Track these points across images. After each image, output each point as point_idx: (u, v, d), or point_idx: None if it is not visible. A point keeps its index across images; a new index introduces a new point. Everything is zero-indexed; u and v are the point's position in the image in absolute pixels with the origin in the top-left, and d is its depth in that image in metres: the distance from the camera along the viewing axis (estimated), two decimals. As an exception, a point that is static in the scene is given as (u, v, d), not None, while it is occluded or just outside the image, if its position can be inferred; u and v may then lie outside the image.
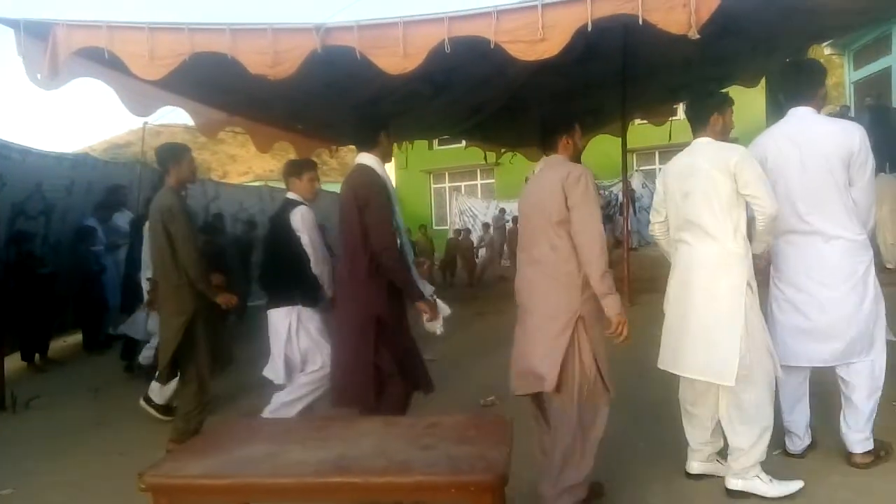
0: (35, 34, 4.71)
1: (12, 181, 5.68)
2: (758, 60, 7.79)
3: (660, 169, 20.39)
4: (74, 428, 4.35)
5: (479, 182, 23.32)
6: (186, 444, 2.50)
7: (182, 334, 3.61)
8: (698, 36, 4.06)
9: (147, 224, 3.99)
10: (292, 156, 8.42)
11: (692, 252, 2.84)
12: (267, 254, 3.81)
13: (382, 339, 2.98)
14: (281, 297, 3.60)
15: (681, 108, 17.98)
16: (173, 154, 3.80)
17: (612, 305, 2.60)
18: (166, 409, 4.38)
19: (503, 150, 12.13)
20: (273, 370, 3.61)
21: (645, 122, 10.83)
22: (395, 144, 11.35)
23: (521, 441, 2.28)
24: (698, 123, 2.97)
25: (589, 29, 4.23)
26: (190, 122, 7.16)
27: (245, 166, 37.37)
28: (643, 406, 3.89)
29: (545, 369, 2.64)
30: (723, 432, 2.89)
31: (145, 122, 7.42)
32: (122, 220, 6.60)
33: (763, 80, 9.20)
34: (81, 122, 68.77)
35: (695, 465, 3.00)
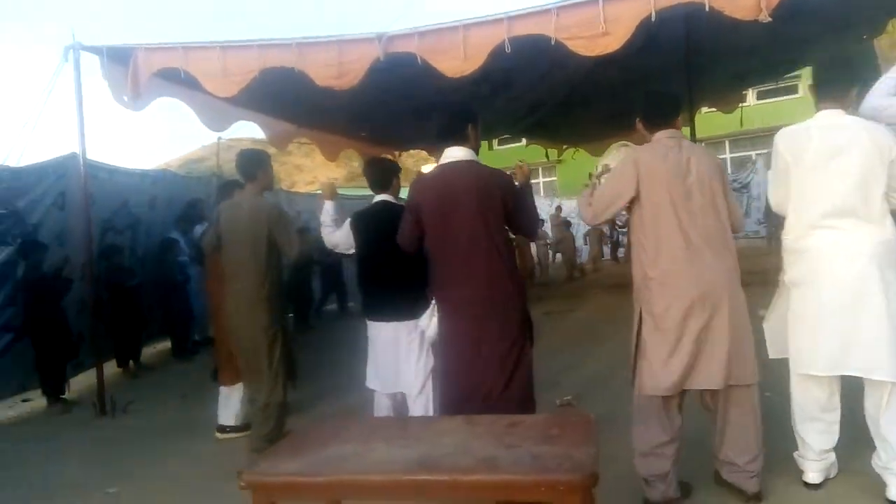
0: (117, 59, 5.03)
1: (101, 199, 6.06)
2: (832, 40, 7.40)
3: (730, 159, 19.74)
4: (168, 430, 4.60)
5: (541, 180, 23.13)
6: (278, 444, 2.60)
7: (278, 345, 3.63)
8: (769, 20, 3.92)
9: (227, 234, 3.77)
10: (355, 163, 8.60)
11: (844, 238, 2.58)
12: (373, 262, 3.45)
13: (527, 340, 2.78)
14: (399, 310, 3.33)
15: (751, 95, 17.37)
16: (259, 160, 3.78)
17: None
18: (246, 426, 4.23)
19: (565, 147, 12.00)
20: (410, 381, 3.39)
21: (713, 110, 10.47)
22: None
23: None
24: (835, 93, 2.68)
25: (653, 20, 4.15)
26: (258, 135, 7.47)
27: (311, 175, 38.45)
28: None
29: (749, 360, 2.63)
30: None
31: (219, 137, 7.77)
32: (202, 231, 6.93)
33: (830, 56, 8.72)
34: (158, 140, 72.43)
35: (815, 475, 2.76)
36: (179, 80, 5.07)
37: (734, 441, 2.69)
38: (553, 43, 4.38)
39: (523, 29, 4.47)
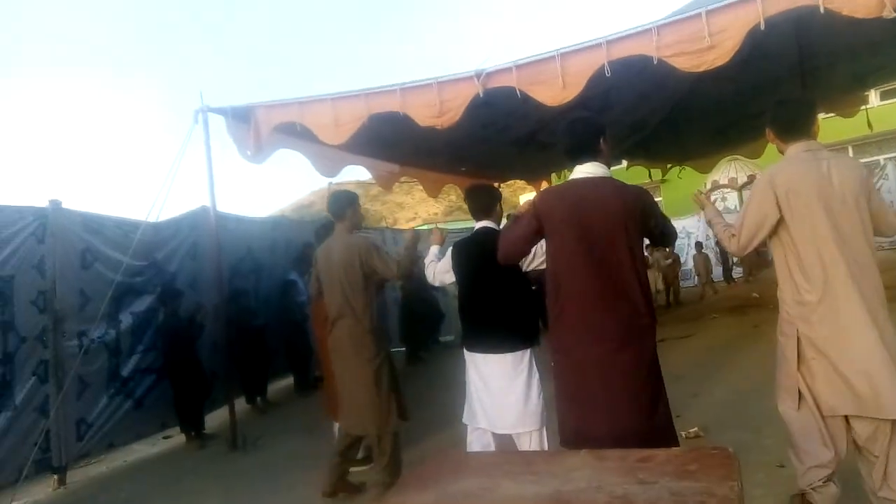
0: (240, 118, 5.47)
1: (228, 246, 6.52)
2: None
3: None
4: (294, 462, 4.81)
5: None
6: (403, 477, 2.63)
7: (387, 376, 3.68)
8: (895, 14, 3.63)
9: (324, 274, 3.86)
10: (453, 197, 8.76)
11: None
12: (474, 292, 3.39)
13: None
14: (506, 340, 3.24)
15: (873, 96, 16.05)
16: (350, 201, 3.89)
17: None
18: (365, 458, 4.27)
19: (669, 166, 11.60)
20: (528, 419, 3.25)
21: (831, 115, 9.77)
22: (555, 174, 11.36)
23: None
24: None
25: (762, 28, 3.97)
26: (362, 177, 7.83)
27: (412, 212, 39.68)
28: None
29: None
30: None
31: (330, 182, 8.19)
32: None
33: None
34: (270, 189, 77.75)
35: None
36: (295, 133, 5.42)
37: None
38: (656, 62, 4.28)
39: (623, 51, 4.41)
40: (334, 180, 7.86)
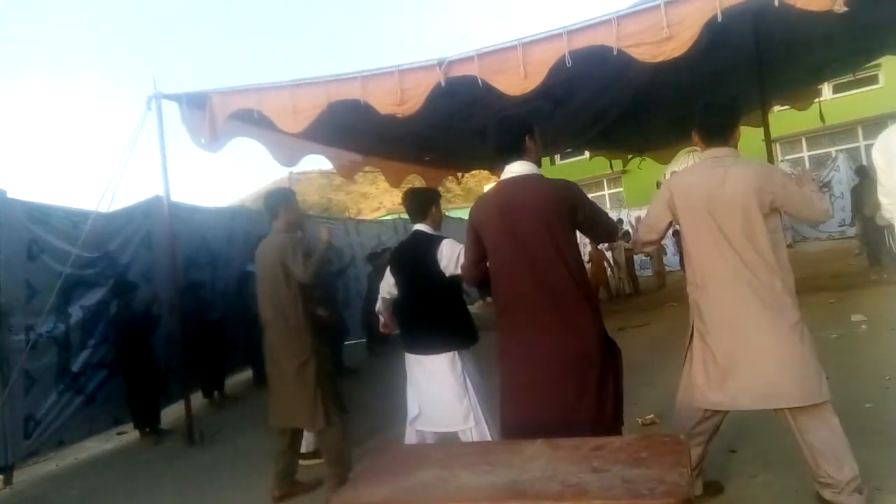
0: (195, 105, 5.31)
1: (183, 236, 6.36)
2: (917, 23, 6.95)
3: (809, 157, 18.77)
4: (253, 457, 4.71)
5: (606, 192, 22.72)
6: (361, 470, 2.61)
7: (314, 373, 3.61)
8: (846, 8, 3.72)
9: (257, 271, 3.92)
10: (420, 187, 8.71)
11: None
12: (409, 295, 3.45)
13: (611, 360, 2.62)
14: (438, 342, 3.28)
15: (826, 89, 16.52)
16: (282, 199, 3.84)
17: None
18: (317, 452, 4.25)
19: (630, 157, 11.75)
20: (456, 417, 3.30)
21: (786, 108, 10.02)
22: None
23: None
24: None
25: (719, 20, 4.02)
26: (324, 167, 7.69)
27: (376, 202, 39.38)
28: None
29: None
30: None
31: (290, 172, 8.05)
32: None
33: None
34: (231, 178, 76.19)
35: None
36: (252, 121, 5.29)
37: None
38: (615, 53, 4.31)
39: (583, 41, 4.42)
40: (295, 169, 7.73)
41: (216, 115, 5.18)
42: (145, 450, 5.50)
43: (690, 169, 2.80)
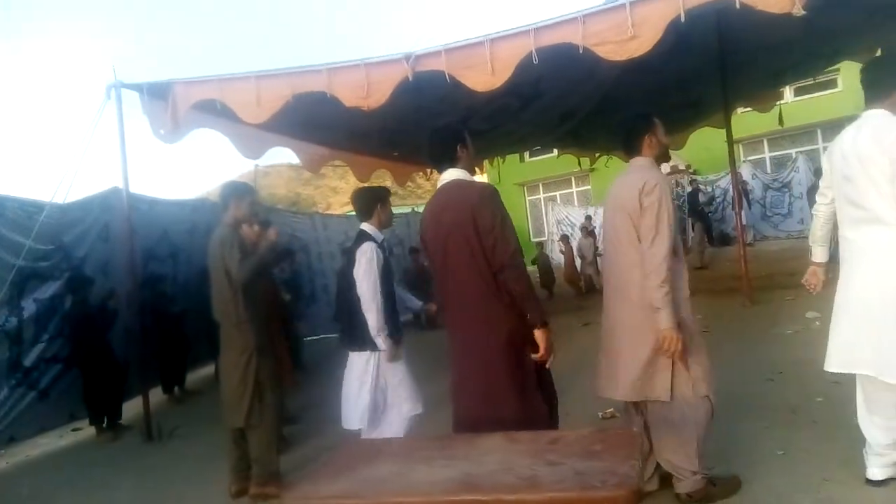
0: (156, 94, 5.18)
1: (143, 229, 6.20)
2: (871, 30, 7.15)
3: (770, 158, 19.23)
4: (213, 454, 4.61)
5: (574, 190, 22.92)
6: (319, 465, 2.58)
7: (252, 371, 3.57)
8: (804, 12, 3.81)
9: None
10: (389, 183, 8.67)
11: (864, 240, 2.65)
12: (340, 291, 3.67)
13: (525, 358, 2.67)
14: (356, 340, 3.44)
15: (787, 92, 16.93)
16: (235, 191, 3.77)
17: (662, 320, 2.63)
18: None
19: (597, 155, 11.88)
20: (353, 416, 3.46)
21: (748, 109, 10.22)
22: (487, 161, 11.42)
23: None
24: (877, 91, 2.66)
25: (682, 20, 4.08)
26: (293, 160, 7.58)
27: (346, 197, 38.83)
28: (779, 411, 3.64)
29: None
30: None
31: (256, 165, 7.93)
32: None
33: (879, 53, 8.41)
34: (198, 170, 74.57)
35: (876, 472, 2.72)
36: (215, 111, 5.19)
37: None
38: (581, 51, 4.34)
39: (550, 39, 4.45)
40: (261, 162, 7.61)
41: (178, 106, 5.06)
42: (101, 446, 5.37)
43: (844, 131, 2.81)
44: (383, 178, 9.39)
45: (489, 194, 2.64)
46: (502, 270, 2.57)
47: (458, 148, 2.74)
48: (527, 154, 19.91)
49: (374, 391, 3.43)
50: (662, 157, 2.95)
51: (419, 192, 27.81)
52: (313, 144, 7.37)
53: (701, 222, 13.09)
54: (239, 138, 6.01)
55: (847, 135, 2.70)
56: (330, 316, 8.72)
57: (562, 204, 21.24)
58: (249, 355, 3.57)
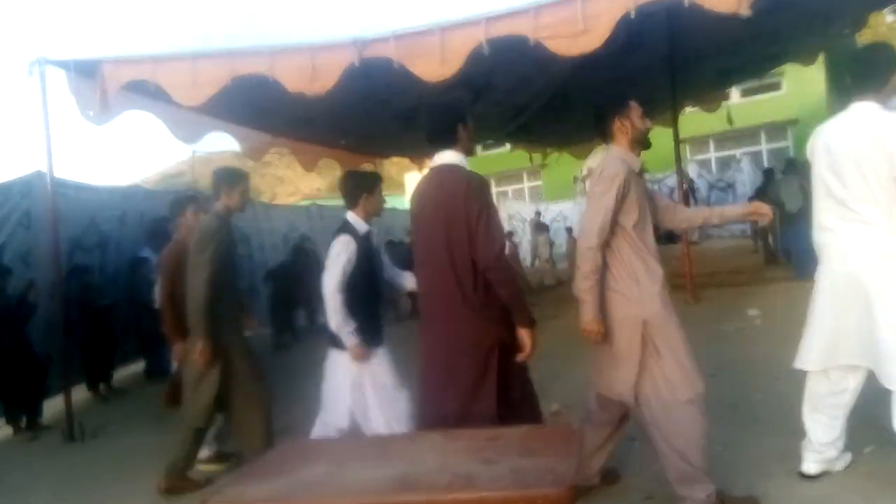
0: (84, 73, 4.86)
1: (68, 217, 5.87)
2: (814, 35, 7.40)
3: (715, 159, 19.79)
4: (141, 454, 4.40)
5: (525, 185, 23.11)
6: (249, 466, 2.46)
7: (211, 369, 3.38)
8: (749, 13, 3.84)
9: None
10: (337, 172, 8.45)
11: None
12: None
13: (507, 362, 2.56)
14: (335, 337, 3.17)
15: (734, 93, 17.44)
16: (228, 178, 3.59)
17: (583, 312, 2.56)
18: (219, 455, 4.06)
19: (549, 151, 11.95)
20: (330, 423, 3.25)
21: (696, 109, 10.44)
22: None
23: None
24: (867, 83, 2.59)
25: (632, 16, 4.06)
26: (237, 147, 7.28)
27: (292, 187, 38.22)
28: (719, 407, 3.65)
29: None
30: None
31: (194, 151, 7.61)
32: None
33: (821, 57, 8.72)
34: (135, 155, 71.66)
35: (810, 466, 2.76)
36: (149, 93, 4.93)
37: None
38: (532, 43, 4.28)
39: (501, 30, 4.36)
40: (201, 148, 7.32)
41: (107, 85, 4.74)
42: (18, 447, 5.05)
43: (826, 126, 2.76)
44: (332, 167, 9.15)
45: (477, 185, 2.52)
46: (487, 270, 2.47)
47: (460, 127, 2.62)
48: (478, 147, 19.93)
49: (353, 390, 3.17)
50: (640, 143, 2.78)
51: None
52: (255, 130, 7.09)
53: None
54: (174, 122, 5.71)
55: (833, 128, 2.64)
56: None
57: (513, 199, 21.38)
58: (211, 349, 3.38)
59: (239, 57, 4.67)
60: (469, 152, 2.69)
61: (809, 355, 2.69)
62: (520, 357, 2.55)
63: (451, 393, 2.53)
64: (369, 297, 3.22)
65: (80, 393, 5.75)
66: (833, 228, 2.60)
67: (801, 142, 17.50)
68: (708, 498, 2.46)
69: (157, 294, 4.43)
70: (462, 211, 2.46)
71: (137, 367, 7.23)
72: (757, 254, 10.90)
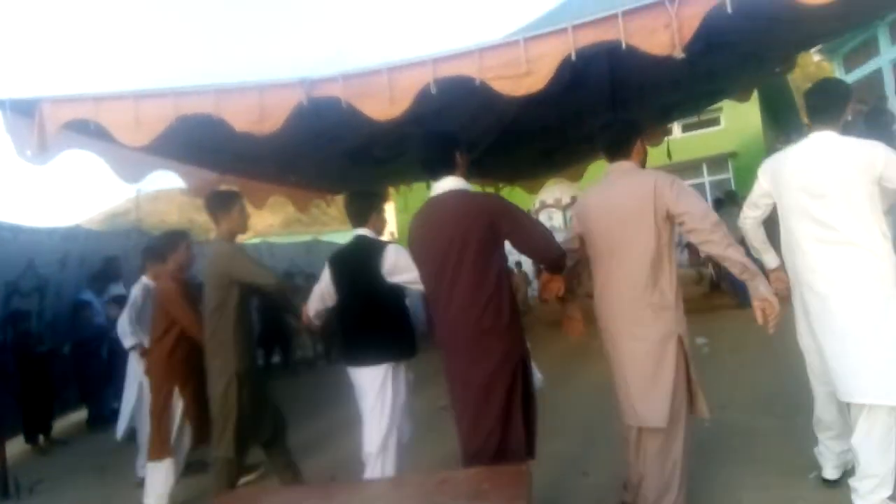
0: (21, 112, 4.70)
1: (5, 260, 5.62)
2: (747, 73, 7.80)
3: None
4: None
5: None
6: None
7: (233, 394, 3.40)
8: (683, 55, 4.01)
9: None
10: (290, 209, 8.34)
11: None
12: (349, 302, 3.28)
13: (516, 382, 2.55)
14: (372, 353, 3.14)
15: (676, 127, 18.17)
16: (220, 203, 3.67)
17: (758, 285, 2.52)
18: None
19: (501, 185, 12.13)
20: (372, 440, 3.12)
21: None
22: (392, 188, 11.37)
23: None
24: (824, 116, 2.81)
25: (573, 59, 4.19)
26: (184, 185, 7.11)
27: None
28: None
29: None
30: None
31: (138, 189, 7.41)
32: (119, 290, 6.49)
33: (755, 94, 9.18)
34: (78, 195, 69.54)
35: (832, 472, 2.94)
36: (90, 132, 4.79)
37: None
38: (478, 84, 4.37)
39: (448, 70, 4.44)
40: (147, 186, 7.14)
41: (46, 125, 4.59)
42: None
43: (592, 184, 3.07)
44: (283, 204, 9.04)
45: (505, 201, 2.64)
46: (550, 262, 2.67)
47: (457, 154, 2.68)
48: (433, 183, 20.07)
49: (390, 408, 3.10)
50: (643, 165, 3.00)
51: (324, 218, 27.30)
52: (201, 168, 6.96)
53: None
54: (116, 161, 5.53)
55: (802, 155, 2.81)
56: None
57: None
58: (227, 381, 3.42)
59: (183, 96, 4.60)
60: (466, 177, 2.73)
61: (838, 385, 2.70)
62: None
63: (482, 428, 2.48)
64: (398, 312, 3.26)
65: (16, 446, 5.46)
66: (812, 248, 2.71)
67: (740, 172, 18.51)
68: None
69: (128, 332, 4.59)
70: (507, 225, 2.50)
71: (80, 415, 6.90)
72: (701, 283, 11.23)
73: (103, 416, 6.53)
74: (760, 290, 2.49)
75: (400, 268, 3.05)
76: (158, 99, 4.58)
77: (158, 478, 3.88)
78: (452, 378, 2.57)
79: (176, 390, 3.96)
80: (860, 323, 2.57)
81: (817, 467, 3.03)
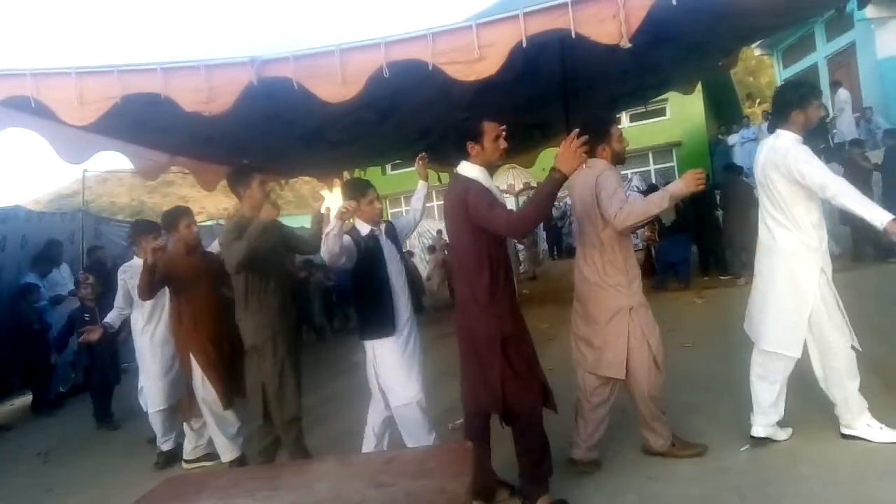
0: (-43, 88, 4.50)
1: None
2: (691, 66, 8.03)
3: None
4: (22, 497, 4.09)
5: (435, 203, 23.32)
6: (136, 501, 2.35)
7: (273, 364, 3.47)
8: (630, 45, 4.12)
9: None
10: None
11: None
12: (351, 281, 3.53)
13: (512, 350, 2.91)
14: (362, 329, 3.45)
15: (624, 117, 18.57)
16: (240, 178, 3.74)
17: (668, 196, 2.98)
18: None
19: (455, 171, 12.20)
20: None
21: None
22: (347, 172, 11.29)
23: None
24: (779, 115, 3.18)
25: (524, 45, 4.25)
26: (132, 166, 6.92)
27: (198, 206, 36.58)
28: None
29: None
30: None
31: (84, 171, 7.17)
32: (62, 273, 6.30)
33: (699, 86, 9.49)
34: (24, 175, 66.45)
35: (760, 430, 3.27)
36: (30, 110, 4.61)
37: None
38: (430, 68, 4.39)
39: (400, 54, 4.44)
40: (94, 167, 6.91)
41: (-17, 101, 4.43)
42: None
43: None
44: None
45: (477, 185, 2.90)
46: (512, 235, 3.04)
47: (469, 145, 3.01)
48: (388, 167, 20.00)
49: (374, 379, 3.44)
50: (620, 160, 3.35)
51: (280, 201, 26.90)
52: (149, 149, 6.77)
53: (550, 235, 13.91)
54: (59, 140, 5.33)
55: (763, 148, 3.23)
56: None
57: (424, 217, 21.51)
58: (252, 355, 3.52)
59: (129, 73, 4.47)
60: (489, 164, 3.05)
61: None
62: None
63: (467, 382, 2.99)
64: (375, 292, 3.41)
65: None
66: (765, 230, 3.21)
67: (684, 161, 19.09)
68: (667, 434, 3.25)
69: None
70: (463, 212, 2.86)
71: (24, 400, 6.72)
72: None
73: (48, 401, 6.36)
74: None
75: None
76: (103, 76, 4.44)
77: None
78: (457, 335, 3.03)
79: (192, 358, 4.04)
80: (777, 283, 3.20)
81: (749, 440, 3.30)
